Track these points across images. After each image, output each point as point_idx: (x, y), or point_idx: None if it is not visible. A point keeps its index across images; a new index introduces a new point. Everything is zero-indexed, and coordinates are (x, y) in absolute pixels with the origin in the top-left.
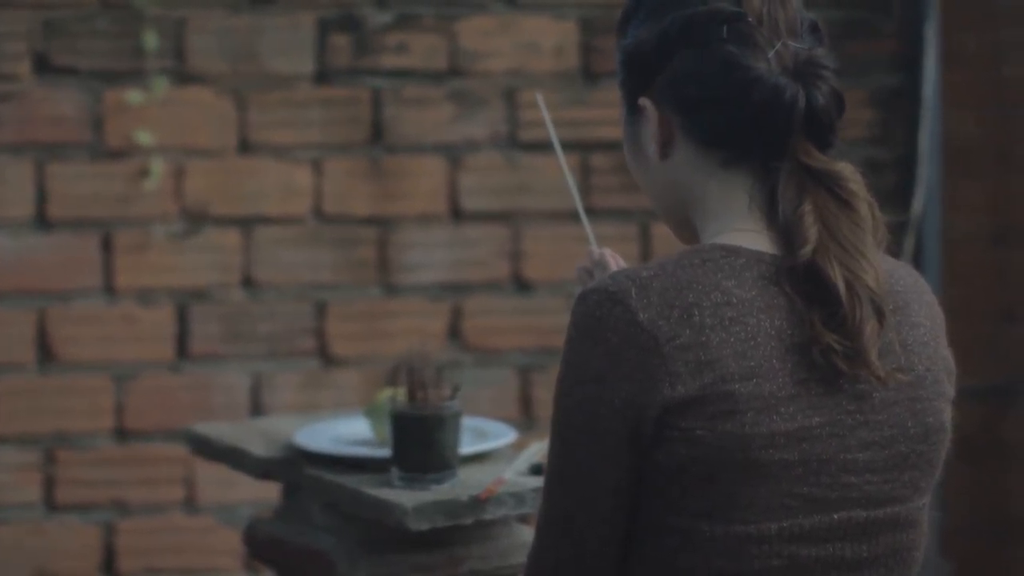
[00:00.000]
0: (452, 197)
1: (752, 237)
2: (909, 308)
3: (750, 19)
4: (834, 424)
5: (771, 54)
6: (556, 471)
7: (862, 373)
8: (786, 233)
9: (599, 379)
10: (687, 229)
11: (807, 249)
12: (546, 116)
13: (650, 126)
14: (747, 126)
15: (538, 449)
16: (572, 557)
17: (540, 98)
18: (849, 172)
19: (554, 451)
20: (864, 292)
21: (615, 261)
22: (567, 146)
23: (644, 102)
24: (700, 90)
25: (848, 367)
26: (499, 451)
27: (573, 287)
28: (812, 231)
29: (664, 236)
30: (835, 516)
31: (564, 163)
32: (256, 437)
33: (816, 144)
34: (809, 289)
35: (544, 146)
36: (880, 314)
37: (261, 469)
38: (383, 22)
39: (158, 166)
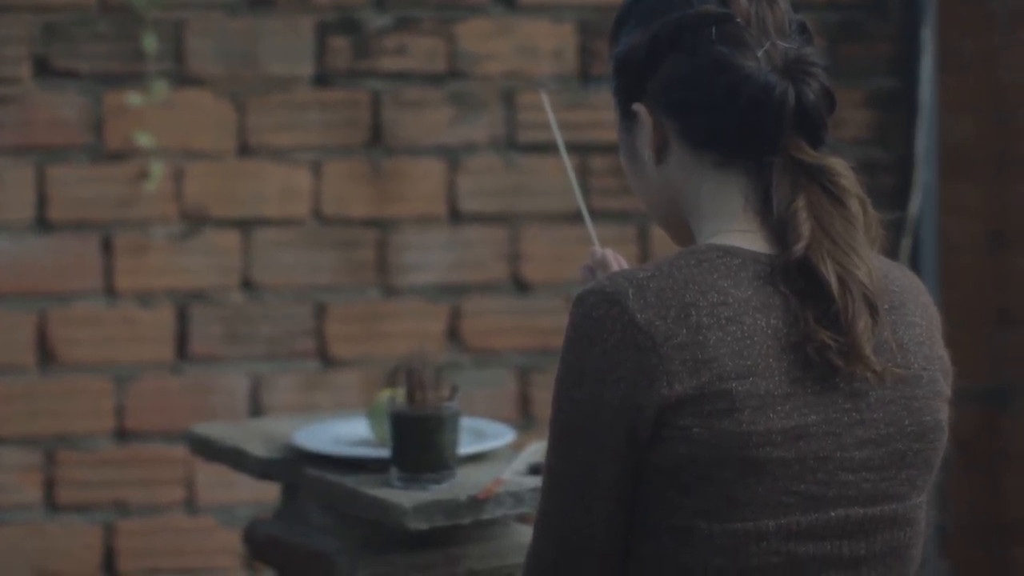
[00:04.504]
0: (451, 199)
1: (747, 237)
2: (905, 307)
3: (738, 20)
4: (830, 422)
5: (760, 53)
6: (554, 470)
7: (858, 369)
8: (780, 230)
9: (597, 379)
10: (683, 231)
11: (800, 245)
12: (550, 113)
13: (644, 132)
14: (739, 125)
15: (536, 449)
16: (570, 556)
17: (544, 96)
18: (841, 167)
19: (552, 450)
20: (856, 287)
21: (617, 261)
22: (566, 148)
23: (638, 108)
24: (691, 92)
25: (843, 363)
26: (497, 451)
27: (573, 288)
28: (805, 227)
29: (662, 237)
30: (832, 514)
31: (567, 160)
32: (256, 438)
33: (808, 141)
34: (803, 286)
35: (542, 148)
36: (873, 310)
37: (261, 470)
38: (382, 25)
39: (158, 168)
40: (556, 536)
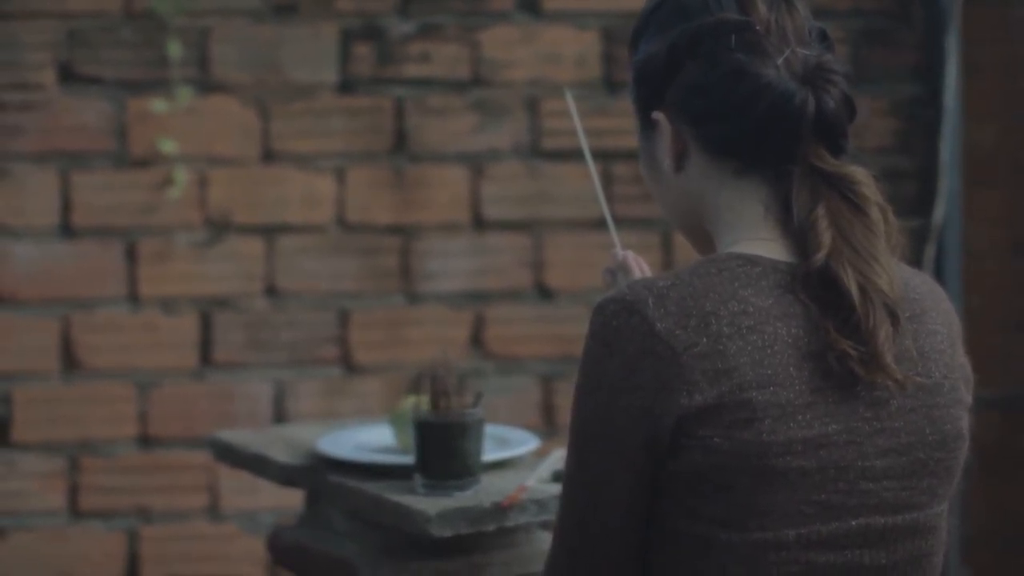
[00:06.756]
0: (474, 206)
1: (768, 246)
2: (926, 315)
3: (757, 28)
4: (851, 431)
5: (780, 61)
6: (573, 478)
7: (879, 378)
8: (800, 238)
9: (616, 388)
10: (703, 239)
11: (821, 255)
12: (574, 113)
13: (664, 139)
14: (758, 134)
15: (560, 456)
16: (588, 564)
17: (569, 96)
18: (862, 176)
19: (571, 459)
20: (877, 296)
21: (638, 264)
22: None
23: (657, 116)
24: (711, 100)
25: (864, 372)
26: (521, 458)
27: (596, 295)
28: (826, 236)
29: (686, 245)
30: (853, 523)
31: (590, 159)
32: (279, 444)
33: (828, 149)
34: (824, 295)
35: (566, 155)
36: (894, 318)
37: (284, 476)
38: (406, 31)
39: (181, 175)
40: (573, 543)
